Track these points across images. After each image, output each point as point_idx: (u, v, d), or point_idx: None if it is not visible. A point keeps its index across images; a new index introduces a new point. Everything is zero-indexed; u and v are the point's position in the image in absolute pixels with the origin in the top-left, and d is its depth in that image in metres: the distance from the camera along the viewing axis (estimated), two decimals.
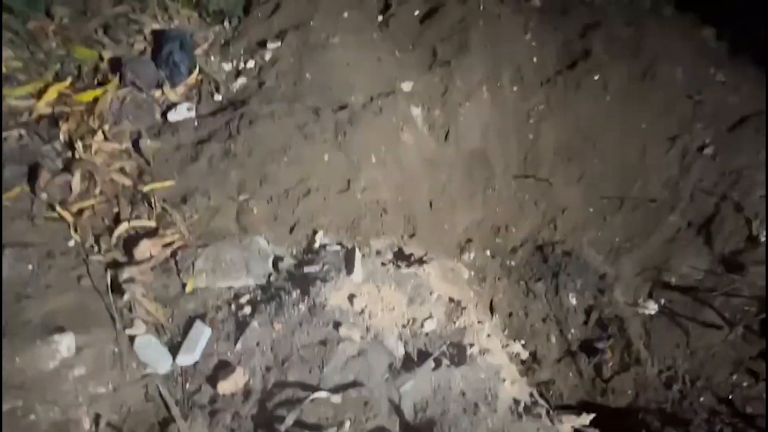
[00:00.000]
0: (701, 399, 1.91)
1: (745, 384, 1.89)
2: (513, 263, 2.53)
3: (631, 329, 2.22)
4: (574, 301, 2.39)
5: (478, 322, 1.54)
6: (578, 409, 2.00)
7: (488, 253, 2.52)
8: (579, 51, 2.80)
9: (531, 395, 1.51)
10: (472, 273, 2.30)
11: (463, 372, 1.33)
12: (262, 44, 2.49)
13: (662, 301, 2.27)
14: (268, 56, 2.41)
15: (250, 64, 2.40)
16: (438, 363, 1.34)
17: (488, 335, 1.51)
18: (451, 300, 1.60)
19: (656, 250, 2.43)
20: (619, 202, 2.57)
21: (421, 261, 1.72)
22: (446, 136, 2.48)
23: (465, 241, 2.46)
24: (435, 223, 2.31)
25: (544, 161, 2.65)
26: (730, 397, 1.87)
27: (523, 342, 2.30)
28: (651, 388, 2.04)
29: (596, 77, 2.68)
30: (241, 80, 2.33)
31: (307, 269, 1.58)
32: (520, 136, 2.67)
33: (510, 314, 2.38)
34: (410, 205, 2.21)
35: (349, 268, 1.53)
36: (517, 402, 1.31)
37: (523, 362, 2.27)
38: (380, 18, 2.81)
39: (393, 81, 2.44)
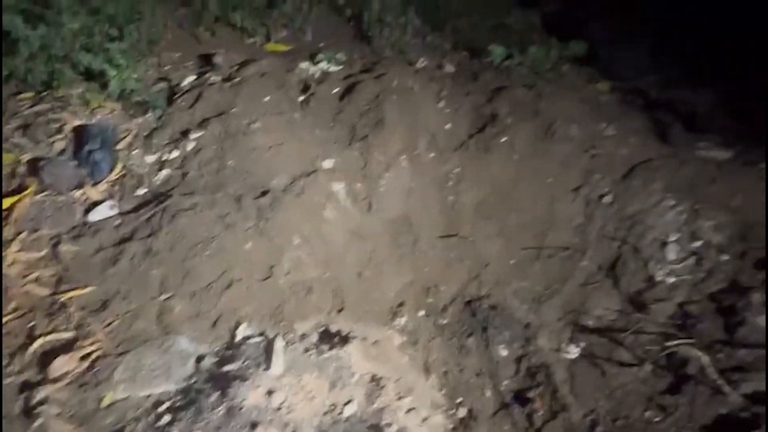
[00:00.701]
0: None
1: (656, 419, 2.04)
2: (445, 321, 2.64)
3: (557, 375, 2.35)
4: (504, 353, 2.51)
5: (398, 398, 1.62)
6: None
7: (421, 313, 2.63)
8: (488, 115, 3.06)
9: None
10: (405, 338, 2.38)
11: None
12: (186, 134, 2.58)
13: (582, 344, 2.43)
14: (191, 146, 2.50)
15: (174, 154, 2.48)
16: None
17: (408, 411, 1.59)
18: (372, 378, 1.67)
19: (573, 295, 2.61)
20: (536, 253, 2.76)
21: (345, 340, 1.80)
22: (369, 207, 2.61)
23: (397, 306, 2.56)
24: (364, 293, 2.40)
25: (464, 220, 2.83)
26: None
27: (460, 400, 2.38)
28: None
29: (503, 139, 2.93)
30: (165, 172, 2.39)
31: (227, 367, 1.62)
32: (440, 199, 2.85)
33: (445, 372, 2.47)
34: (338, 279, 2.30)
35: (268, 362, 1.58)
36: None
37: (461, 420, 2.34)
38: (301, 98, 2.98)
39: (314, 160, 2.58)
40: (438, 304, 2.68)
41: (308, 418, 1.48)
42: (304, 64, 3.21)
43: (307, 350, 1.70)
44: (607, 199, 2.72)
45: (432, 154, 2.90)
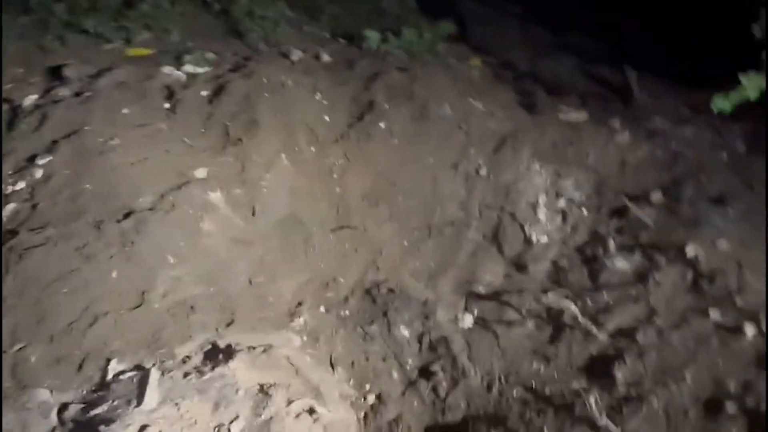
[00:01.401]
0: (514, 393, 2.21)
1: (541, 369, 2.22)
2: (347, 312, 2.67)
3: (455, 345, 2.48)
4: (406, 333, 2.59)
5: (288, 403, 1.62)
6: None
7: (322, 309, 2.63)
8: (365, 103, 3.08)
9: None
10: (305, 338, 2.37)
11: None
12: (32, 160, 2.33)
13: (475, 311, 2.57)
14: (39, 173, 2.26)
15: (20, 185, 2.24)
16: None
17: (297, 416, 1.59)
18: (261, 389, 1.65)
19: (464, 266, 2.75)
20: (426, 231, 2.86)
21: (230, 355, 1.75)
22: (253, 212, 2.54)
23: (295, 306, 2.54)
24: (258, 300, 2.35)
25: (354, 210, 2.85)
26: (533, 384, 2.19)
27: (368, 387, 2.43)
28: (476, 395, 2.29)
29: (382, 124, 2.98)
30: (11, 206, 2.16)
31: (94, 411, 1.52)
32: (327, 193, 2.84)
33: (352, 363, 2.50)
34: (225, 291, 2.23)
35: (140, 397, 1.50)
36: None
37: (372, 406, 2.40)
38: (166, 105, 2.81)
39: (185, 171, 2.45)
40: (338, 297, 2.69)
41: None
42: (168, 69, 3.02)
43: (186, 375, 1.64)
44: (483, 171, 2.87)
45: (313, 149, 2.87)
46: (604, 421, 1.78)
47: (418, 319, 2.62)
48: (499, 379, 2.29)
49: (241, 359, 1.74)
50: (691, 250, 2.17)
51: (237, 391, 1.59)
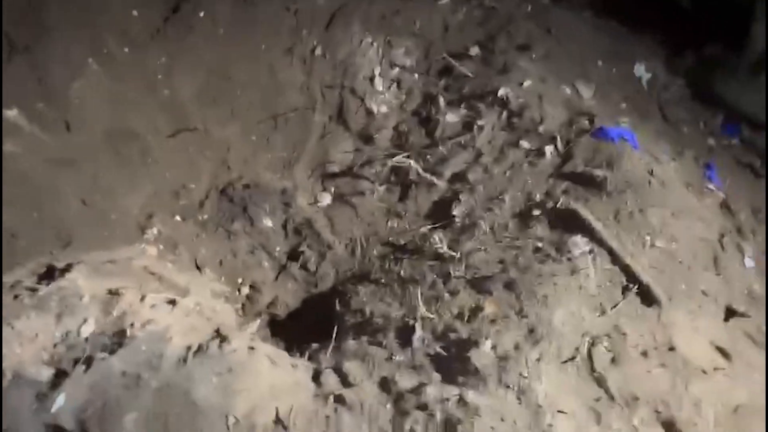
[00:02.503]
0: (374, 252, 2.41)
1: (395, 225, 2.44)
2: (206, 216, 2.61)
3: (318, 224, 2.59)
4: (270, 224, 2.62)
5: (141, 299, 1.60)
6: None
7: (177, 218, 2.54)
8: None
9: None
10: (161, 246, 2.30)
11: (121, 355, 1.39)
12: None
13: (332, 189, 2.67)
14: None
15: None
16: (89, 362, 1.38)
17: (152, 306, 1.59)
18: (110, 292, 1.60)
19: (316, 149, 2.78)
20: (273, 122, 2.80)
21: (64, 270, 1.65)
22: (68, 128, 2.27)
23: (146, 219, 2.41)
24: (97, 220, 2.19)
25: (191, 112, 2.67)
26: (389, 239, 2.40)
27: (240, 280, 2.48)
28: (342, 262, 2.47)
29: (202, 14, 2.72)
30: None
31: None
32: (155, 97, 2.60)
33: (220, 262, 2.51)
34: (55, 215, 2.04)
35: None
36: (188, 348, 1.46)
37: (247, 296, 2.47)
38: None
39: None
40: (193, 204, 2.61)
41: (30, 358, 1.37)
42: None
43: (17, 297, 1.52)
44: (318, 51, 2.81)
45: (126, 50, 2.56)
46: (445, 249, 2.04)
47: (279, 208, 2.66)
48: (361, 243, 2.47)
49: (80, 271, 1.65)
50: (502, 92, 2.42)
51: (81, 298, 1.52)
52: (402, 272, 2.18)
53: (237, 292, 2.45)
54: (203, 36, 2.72)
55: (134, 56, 2.58)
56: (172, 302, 1.65)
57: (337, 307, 2.16)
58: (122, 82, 2.53)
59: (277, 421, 1.37)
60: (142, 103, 2.56)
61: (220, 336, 1.51)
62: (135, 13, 2.66)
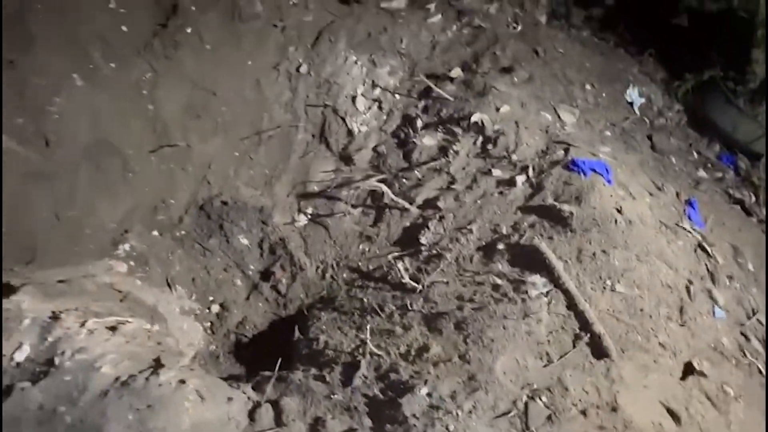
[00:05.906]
0: (344, 276, 2.38)
1: (366, 249, 2.39)
2: (183, 232, 2.63)
3: (292, 244, 2.57)
4: (246, 242, 2.63)
5: (81, 324, 1.61)
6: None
7: (154, 233, 2.57)
8: (168, 6, 2.80)
9: None
10: (131, 263, 2.33)
11: (42, 386, 1.40)
12: None
13: (309, 210, 2.65)
14: None
15: None
16: (9, 391, 1.39)
17: (91, 332, 1.60)
18: (53, 315, 1.62)
19: (297, 168, 2.77)
20: (257, 139, 2.81)
21: (12, 290, 1.68)
22: (47, 143, 2.33)
23: (121, 234, 2.45)
24: (69, 235, 2.24)
25: (174, 127, 2.70)
26: (359, 264, 2.36)
27: (211, 298, 2.49)
28: (312, 284, 2.44)
29: (189, 30, 2.75)
30: None
31: None
32: (139, 111, 2.64)
33: (193, 279, 2.52)
34: (25, 229, 2.09)
35: None
36: (116, 380, 1.46)
37: (217, 315, 2.48)
38: None
39: None
40: (171, 219, 2.63)
41: None
42: None
43: None
44: (303, 69, 2.81)
45: (113, 64, 2.61)
46: (406, 280, 1.99)
47: (256, 226, 2.66)
48: (332, 266, 2.45)
49: (27, 292, 1.68)
50: (476, 118, 2.34)
51: (21, 322, 1.55)
52: (365, 300, 2.14)
53: (207, 310, 2.46)
54: (190, 51, 2.75)
55: (120, 71, 2.63)
56: (113, 328, 1.66)
57: (296, 334, 2.14)
58: (106, 97, 2.58)
59: None
60: (125, 117, 2.61)
61: (157, 365, 1.51)
62: (124, 27, 2.71)
